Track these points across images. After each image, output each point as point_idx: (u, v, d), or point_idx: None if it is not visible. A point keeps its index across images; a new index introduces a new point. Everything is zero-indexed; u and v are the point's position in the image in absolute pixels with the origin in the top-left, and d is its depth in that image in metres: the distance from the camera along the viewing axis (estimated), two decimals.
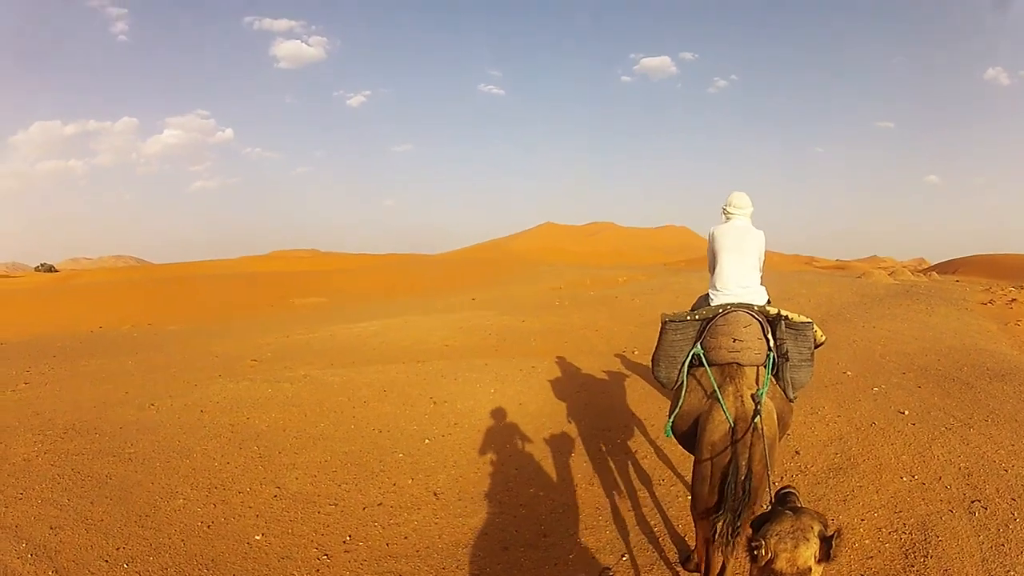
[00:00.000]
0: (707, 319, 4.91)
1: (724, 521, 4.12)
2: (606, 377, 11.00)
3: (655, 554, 5.57)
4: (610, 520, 6.16)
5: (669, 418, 4.95)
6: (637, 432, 8.32)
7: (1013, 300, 17.28)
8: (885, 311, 16.06)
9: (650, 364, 5.27)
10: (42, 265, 62.01)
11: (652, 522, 6.07)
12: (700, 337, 4.90)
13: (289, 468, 7.26)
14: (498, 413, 9.05)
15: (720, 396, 4.55)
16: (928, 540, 5.27)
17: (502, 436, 8.35)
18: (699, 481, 4.65)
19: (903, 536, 5.38)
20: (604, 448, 7.88)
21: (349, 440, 8.10)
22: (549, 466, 7.46)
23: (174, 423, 8.51)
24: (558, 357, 12.48)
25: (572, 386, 10.42)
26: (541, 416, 9.04)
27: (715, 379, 4.66)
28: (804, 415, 7.99)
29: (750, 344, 4.72)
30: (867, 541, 5.38)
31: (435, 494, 6.78)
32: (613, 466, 7.36)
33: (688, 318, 4.97)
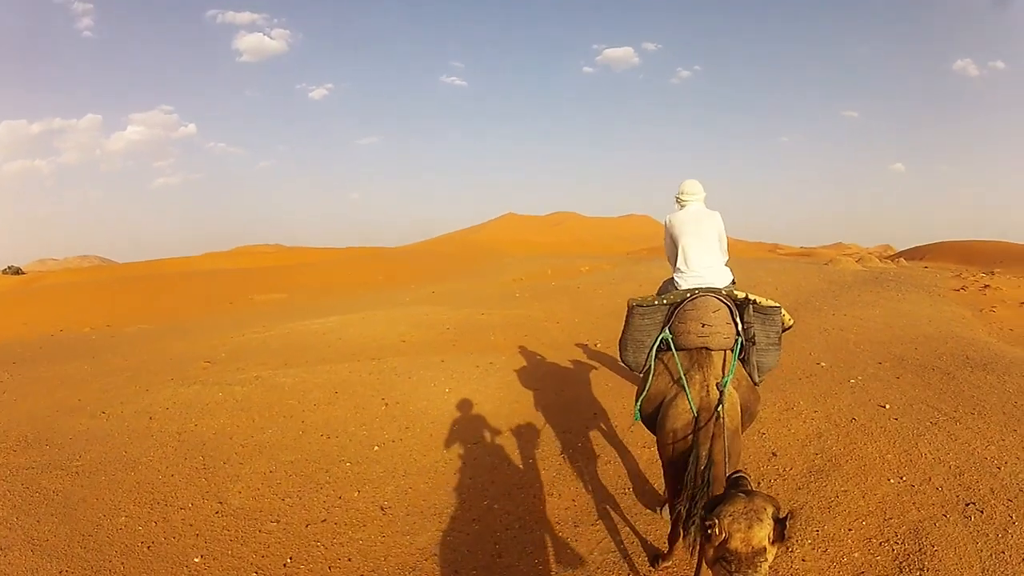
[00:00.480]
0: (675, 304, 4.91)
1: (684, 508, 4.07)
2: (568, 372, 10.58)
3: (623, 574, 5.08)
4: (572, 535, 5.66)
5: (636, 402, 4.98)
6: (601, 432, 7.84)
7: (986, 286, 17.15)
8: (855, 298, 15.86)
9: (618, 349, 5.27)
10: (9, 268, 61.27)
11: (620, 535, 5.57)
12: (668, 321, 4.91)
13: (233, 480, 6.84)
14: (453, 414, 8.58)
15: (686, 384, 4.55)
16: (923, 550, 4.86)
17: (456, 440, 7.83)
18: (664, 464, 4.75)
19: (895, 546, 4.95)
20: (566, 451, 7.38)
21: (296, 448, 7.65)
22: (506, 474, 6.94)
23: (123, 432, 8.27)
24: (518, 351, 12.09)
25: (532, 383, 9.93)
26: (498, 416, 8.53)
27: (682, 365, 4.68)
28: (779, 412, 7.63)
29: (719, 329, 4.71)
30: (856, 554, 4.92)
31: (382, 508, 6.26)
32: (576, 472, 6.86)
33: (656, 303, 4.97)
